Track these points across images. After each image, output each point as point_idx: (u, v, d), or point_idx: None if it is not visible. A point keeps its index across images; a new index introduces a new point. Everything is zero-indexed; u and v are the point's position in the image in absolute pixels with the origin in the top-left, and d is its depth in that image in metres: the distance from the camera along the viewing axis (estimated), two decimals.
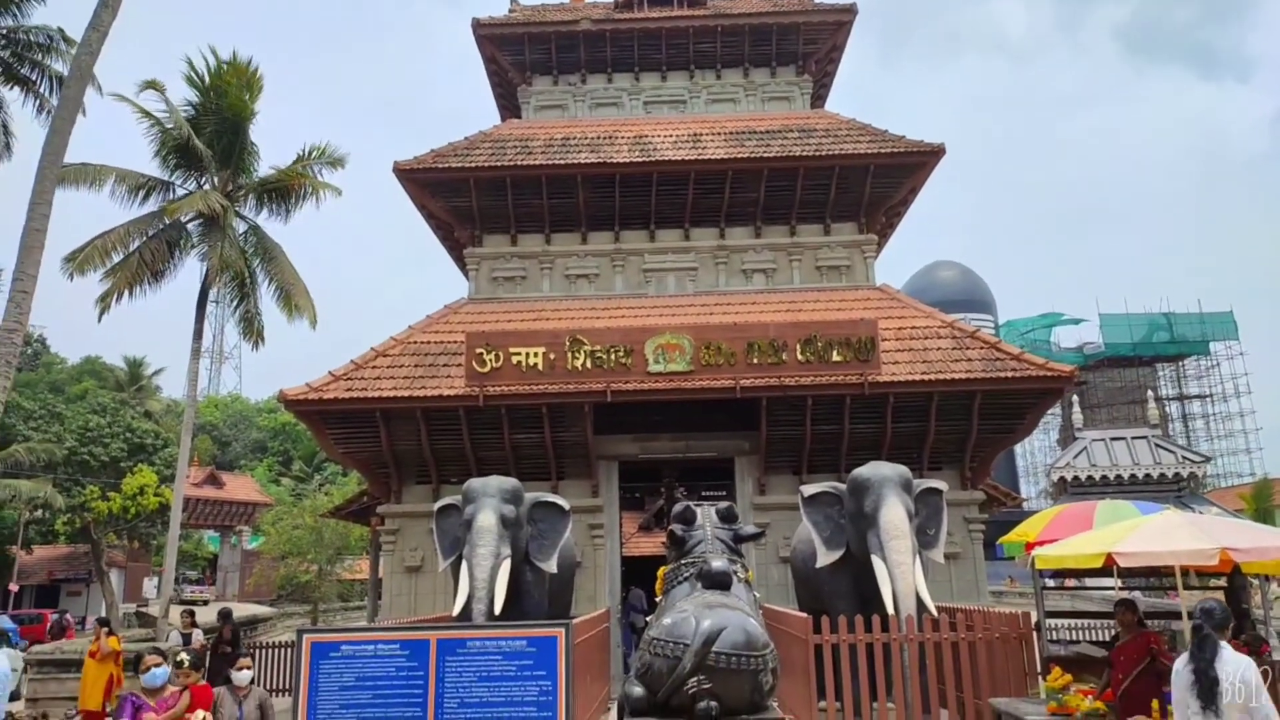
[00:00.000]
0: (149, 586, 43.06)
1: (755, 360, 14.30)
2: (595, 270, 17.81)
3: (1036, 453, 58.36)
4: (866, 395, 14.45)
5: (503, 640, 8.89)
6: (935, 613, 9.48)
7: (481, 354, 14.25)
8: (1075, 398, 28.06)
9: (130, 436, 36.46)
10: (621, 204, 17.60)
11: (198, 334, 21.24)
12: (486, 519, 10.25)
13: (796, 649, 9.48)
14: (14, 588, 34.48)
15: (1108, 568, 8.62)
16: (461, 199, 17.48)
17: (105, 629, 12.09)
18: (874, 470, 10.51)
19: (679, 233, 17.94)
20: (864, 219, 17.95)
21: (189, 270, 22.18)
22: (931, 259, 64.17)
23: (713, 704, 4.84)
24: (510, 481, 10.98)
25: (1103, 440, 25.26)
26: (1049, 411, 35.79)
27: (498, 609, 9.95)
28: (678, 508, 6.85)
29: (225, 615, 13.40)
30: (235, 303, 21.10)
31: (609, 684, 12.76)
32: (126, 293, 19.27)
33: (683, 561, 6.36)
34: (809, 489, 11.00)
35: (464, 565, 10.31)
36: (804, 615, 9.80)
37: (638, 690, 3.97)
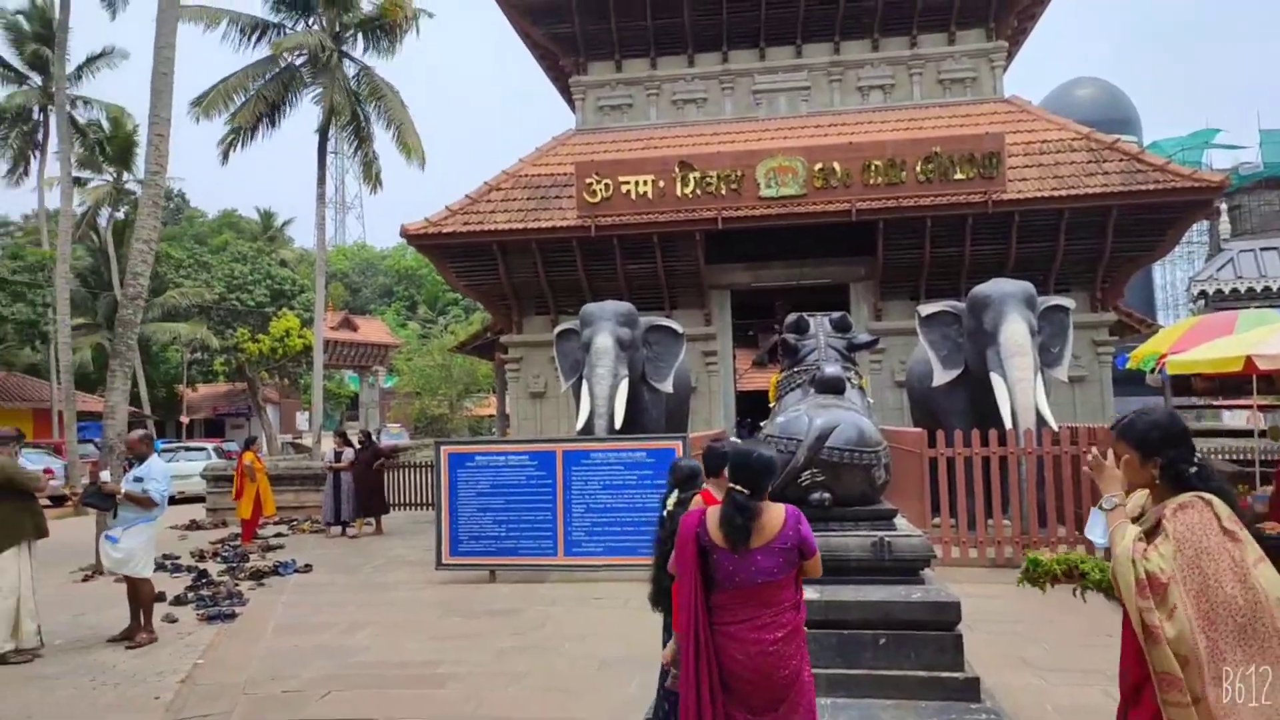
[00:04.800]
0: (301, 420, 46.88)
1: (872, 181, 13.78)
2: (703, 94, 17.24)
3: (1179, 284, 54.85)
4: (990, 214, 13.81)
5: (623, 451, 9.38)
6: (1056, 428, 9.35)
7: (591, 184, 14.25)
8: (1225, 216, 25.74)
9: (271, 283, 38.76)
10: (729, 21, 16.76)
11: (320, 179, 21.99)
12: (604, 341, 10.57)
13: (911, 465, 9.59)
14: (184, 420, 38.13)
15: (1245, 379, 8.23)
16: (563, 24, 17.02)
17: (249, 448, 13.67)
18: (995, 286, 10.18)
19: (790, 50, 17.03)
20: (993, 24, 16.54)
21: (309, 119, 22.71)
22: (1069, 77, 58.83)
23: (826, 495, 5.01)
24: (625, 305, 11.21)
25: (1251, 251, 23.16)
26: (1195, 238, 33.18)
27: (618, 425, 10.40)
28: (790, 317, 6.85)
29: (367, 434, 14.97)
30: (354, 148, 21.63)
31: None
32: (249, 135, 20.03)
33: (795, 369, 6.42)
34: (926, 309, 10.79)
35: (584, 386, 10.75)
36: (919, 430, 9.84)
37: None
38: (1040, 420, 9.44)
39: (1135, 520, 2.55)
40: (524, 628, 7.40)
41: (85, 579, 10.33)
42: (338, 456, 13.64)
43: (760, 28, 16.79)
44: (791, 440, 5.12)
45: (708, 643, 3.16)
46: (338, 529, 13.65)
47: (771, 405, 7.29)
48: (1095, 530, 2.71)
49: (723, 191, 14.06)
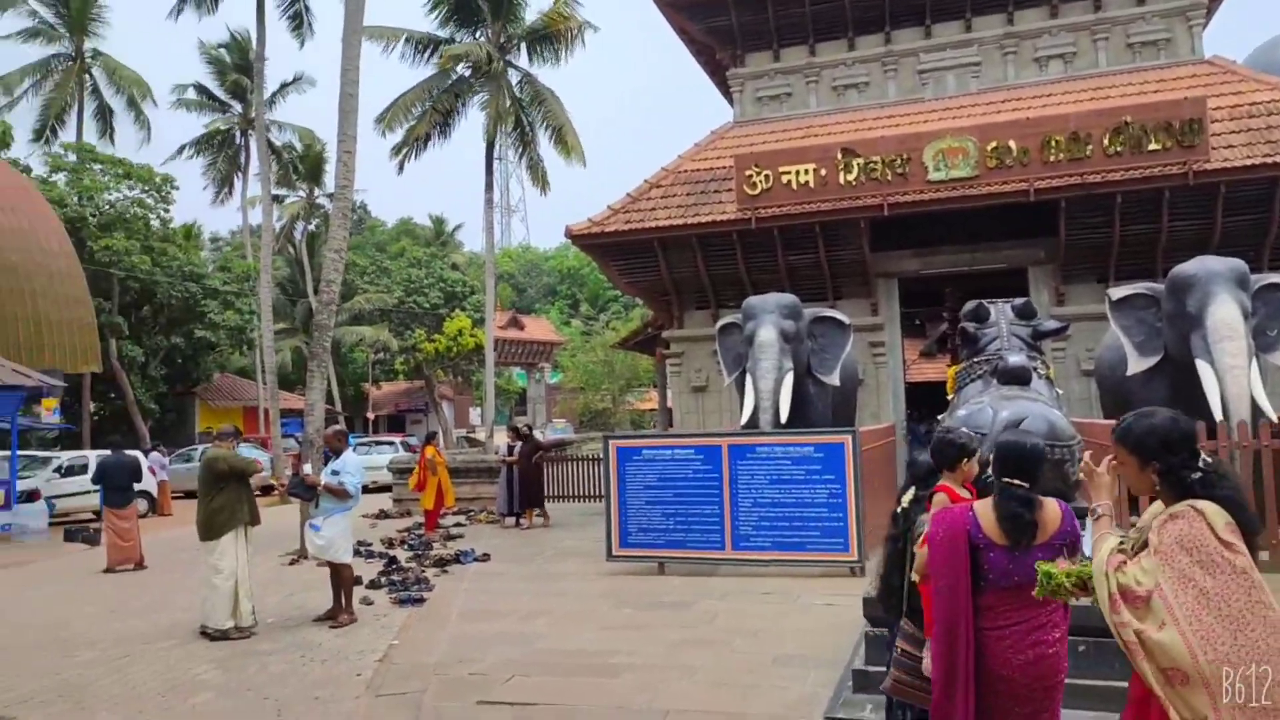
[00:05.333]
0: (474, 415, 49.22)
1: (1052, 158, 12.91)
2: (864, 78, 16.72)
3: None
4: (1190, 186, 12.62)
5: (790, 446, 9.25)
6: (1275, 419, 8.43)
7: (750, 176, 14.12)
8: None
9: (443, 286, 40.89)
10: (892, 1, 16.17)
11: (489, 185, 22.95)
12: (767, 334, 10.45)
13: (1102, 459, 8.93)
14: (370, 416, 40.86)
15: None
16: (720, 17, 16.94)
17: (429, 443, 14.48)
18: (1200, 265, 9.27)
19: (959, 24, 16.22)
20: None
21: (475, 128, 23.83)
22: (1276, 32, 52.83)
23: None
24: (788, 297, 11.04)
25: None
26: None
27: (783, 419, 10.27)
28: (969, 305, 6.53)
29: (529, 427, 15.60)
30: (519, 153, 22.45)
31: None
32: (423, 145, 21.21)
33: (975, 359, 6.10)
34: (1118, 291, 9.98)
35: (748, 379, 10.67)
36: (1111, 423, 9.15)
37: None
38: (1256, 411, 8.54)
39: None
40: (694, 621, 7.44)
41: (291, 563, 11.26)
42: (510, 450, 14.22)
43: (925, 5, 16.09)
44: (975, 433, 4.86)
45: (971, 647, 2.97)
46: (511, 520, 14.22)
47: (949, 397, 6.99)
48: (1087, 541, 2.57)
49: (888, 177, 13.58)
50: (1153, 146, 12.49)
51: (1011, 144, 13.05)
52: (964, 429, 5.02)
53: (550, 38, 21.14)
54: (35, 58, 30.67)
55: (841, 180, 13.75)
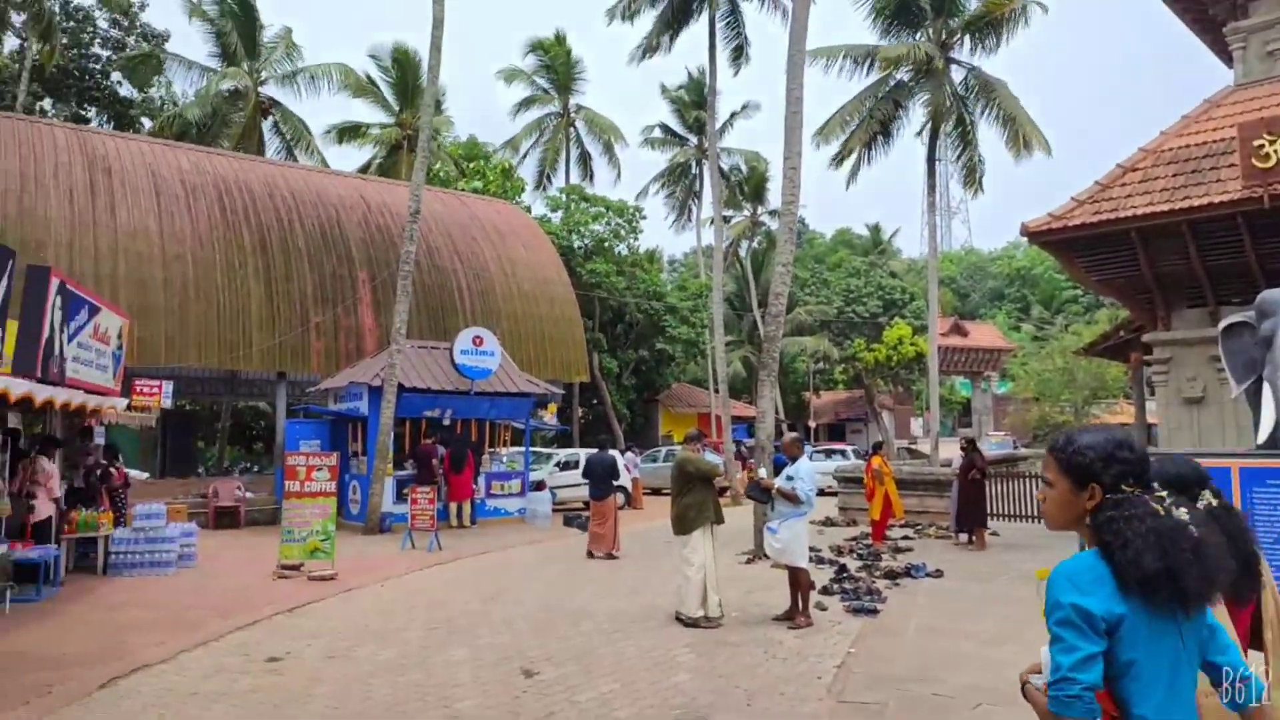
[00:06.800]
0: (915, 426, 47.91)
1: None
2: None
3: None
4: None
5: None
6: None
7: (1261, 146, 11.75)
8: None
9: (882, 294, 40.45)
10: None
11: (930, 188, 22.24)
12: None
13: None
14: (811, 424, 41.85)
15: None
16: None
17: (876, 453, 14.28)
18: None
19: None
20: None
21: (909, 133, 23.28)
22: None
23: None
24: None
25: None
26: None
27: None
28: None
29: (969, 440, 14.59)
30: (958, 152, 21.43)
31: None
32: (865, 156, 21.21)
33: None
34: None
35: (1265, 389, 8.85)
36: None
37: None
38: None
39: None
40: None
41: (748, 561, 11.93)
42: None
43: None
44: None
45: None
46: (964, 536, 13.51)
47: None
48: None
49: None
50: None
51: None
52: None
53: (992, 24, 19.89)
54: (532, 119, 36.93)
55: None
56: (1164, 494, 1.96)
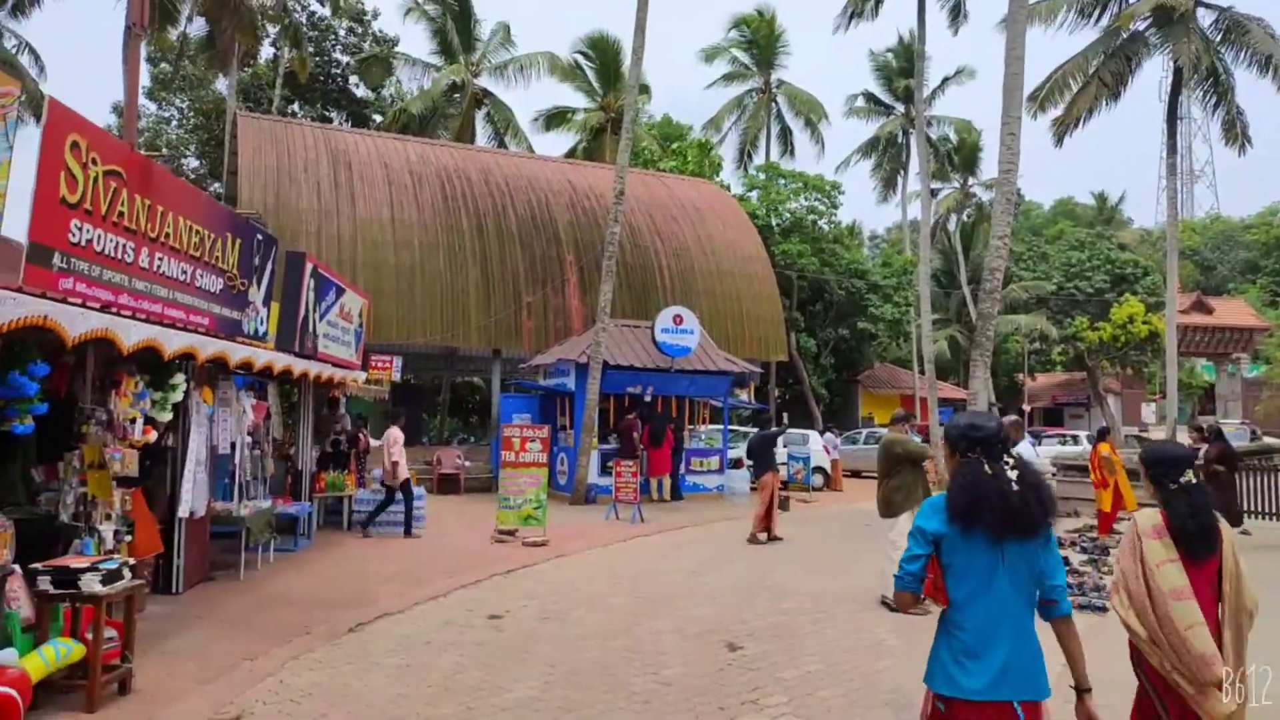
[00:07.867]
0: (1146, 411, 43.81)
1: None
2: None
3: None
4: None
5: None
6: None
7: None
8: None
9: (1110, 268, 37.23)
10: None
11: (1171, 149, 20.20)
12: None
13: None
14: (1026, 408, 39.30)
15: None
16: None
17: (1102, 440, 13.20)
18: None
19: None
20: None
21: (1143, 90, 21.11)
22: None
23: None
24: None
25: None
26: None
27: None
28: None
29: (1203, 428, 13.16)
30: (1211, 106, 19.24)
31: None
32: (1087, 117, 19.53)
33: None
34: None
35: None
36: None
37: None
38: None
39: None
40: None
41: None
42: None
43: None
44: None
45: None
46: None
47: None
48: None
49: None
50: None
51: None
52: None
53: None
54: (732, 96, 36.76)
55: None
56: (1009, 462, 2.75)
